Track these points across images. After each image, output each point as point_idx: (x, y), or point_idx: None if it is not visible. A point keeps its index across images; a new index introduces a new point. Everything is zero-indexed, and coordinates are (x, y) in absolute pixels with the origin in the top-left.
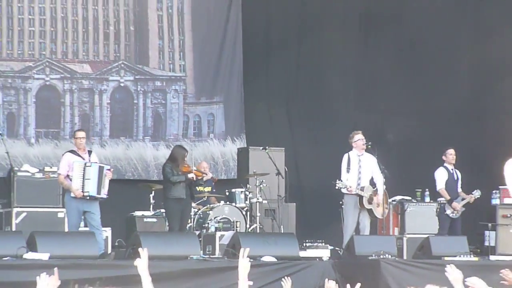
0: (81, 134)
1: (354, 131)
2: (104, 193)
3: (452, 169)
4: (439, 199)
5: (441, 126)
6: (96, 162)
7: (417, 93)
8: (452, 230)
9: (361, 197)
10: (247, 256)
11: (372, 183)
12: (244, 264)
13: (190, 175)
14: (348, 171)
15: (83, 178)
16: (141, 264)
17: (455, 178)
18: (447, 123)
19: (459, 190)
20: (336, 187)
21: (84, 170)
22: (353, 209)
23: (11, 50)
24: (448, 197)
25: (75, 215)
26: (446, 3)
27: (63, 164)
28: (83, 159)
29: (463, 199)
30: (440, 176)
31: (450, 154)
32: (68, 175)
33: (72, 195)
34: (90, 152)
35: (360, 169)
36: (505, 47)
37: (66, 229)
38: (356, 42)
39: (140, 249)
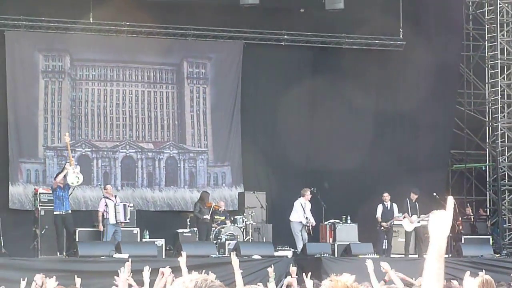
0: (109, 187)
1: (305, 188)
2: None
3: (387, 204)
4: (390, 221)
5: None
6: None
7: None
8: (381, 239)
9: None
10: (236, 256)
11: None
12: (234, 260)
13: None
14: (299, 210)
15: (115, 211)
16: (182, 261)
17: (388, 209)
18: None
19: (395, 215)
20: (305, 221)
21: (114, 207)
22: (301, 229)
23: (105, 135)
24: (380, 221)
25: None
26: None
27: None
28: (113, 201)
29: (392, 220)
30: (378, 209)
31: (384, 196)
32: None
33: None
34: (115, 196)
35: (305, 209)
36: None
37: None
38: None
39: (182, 252)
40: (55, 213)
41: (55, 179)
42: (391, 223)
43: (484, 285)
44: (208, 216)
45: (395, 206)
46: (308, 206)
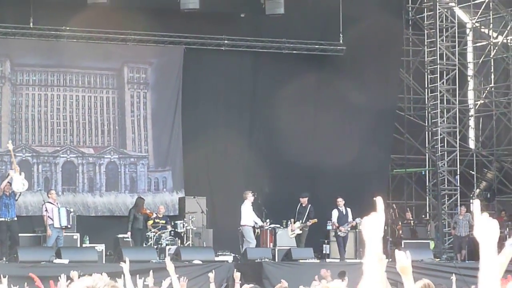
0: (54, 192)
1: (247, 190)
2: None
3: (341, 208)
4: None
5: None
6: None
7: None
8: (341, 243)
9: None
10: (171, 260)
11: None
12: (169, 265)
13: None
14: (250, 213)
15: (59, 216)
16: (125, 267)
17: (344, 213)
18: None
19: (349, 220)
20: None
21: (58, 211)
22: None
23: (46, 140)
24: (337, 226)
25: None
26: None
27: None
28: (56, 206)
29: (348, 224)
30: (333, 214)
31: (338, 201)
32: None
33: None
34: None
35: (252, 213)
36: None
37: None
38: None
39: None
40: (0, 219)
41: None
42: (347, 228)
43: None
44: (141, 226)
45: (349, 210)
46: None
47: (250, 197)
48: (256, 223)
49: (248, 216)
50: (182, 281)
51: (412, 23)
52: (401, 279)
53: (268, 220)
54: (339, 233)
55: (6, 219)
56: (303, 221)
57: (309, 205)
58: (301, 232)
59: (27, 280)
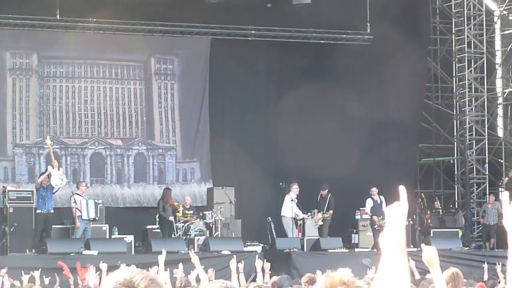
0: (84, 184)
1: (293, 182)
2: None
3: (375, 198)
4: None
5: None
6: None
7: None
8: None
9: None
10: (195, 253)
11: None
12: (194, 257)
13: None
14: (290, 205)
15: (87, 208)
16: (161, 258)
17: (378, 202)
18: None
19: (383, 208)
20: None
21: (86, 203)
22: (292, 224)
23: (74, 132)
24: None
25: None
26: None
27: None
28: (84, 198)
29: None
30: (367, 203)
31: (372, 190)
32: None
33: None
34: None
35: (293, 205)
36: None
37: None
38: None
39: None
40: (37, 211)
41: (38, 179)
42: (382, 218)
43: (453, 278)
44: (171, 217)
45: (383, 198)
46: (295, 200)
47: (294, 189)
48: (297, 215)
49: (288, 208)
50: (210, 272)
51: (440, 12)
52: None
53: (310, 213)
54: (374, 226)
55: (42, 211)
56: (324, 212)
57: (329, 195)
58: (322, 223)
59: (57, 271)
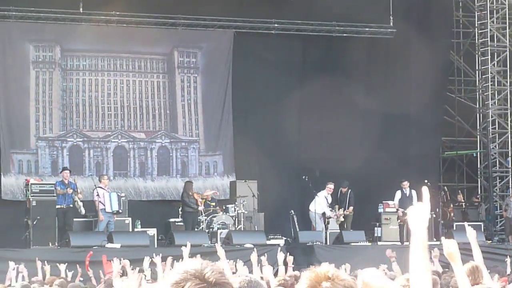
0: (106, 177)
1: (329, 182)
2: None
3: (405, 191)
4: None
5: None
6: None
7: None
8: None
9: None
10: (222, 246)
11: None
12: (220, 250)
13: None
14: (321, 202)
15: (110, 201)
16: (186, 251)
17: (407, 195)
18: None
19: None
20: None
21: (110, 196)
22: (320, 218)
23: (97, 125)
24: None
25: (105, 222)
26: None
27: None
28: (107, 191)
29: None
30: (396, 195)
31: (403, 184)
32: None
33: (106, 210)
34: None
35: (328, 203)
36: None
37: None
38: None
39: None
40: (57, 207)
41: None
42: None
43: (473, 271)
44: (201, 207)
45: (414, 192)
46: (329, 198)
47: (328, 187)
48: (325, 213)
49: (317, 204)
50: (235, 263)
51: (462, 5)
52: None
53: (333, 208)
54: (398, 220)
55: (62, 206)
56: (345, 209)
57: (349, 191)
58: (343, 219)
59: (79, 263)
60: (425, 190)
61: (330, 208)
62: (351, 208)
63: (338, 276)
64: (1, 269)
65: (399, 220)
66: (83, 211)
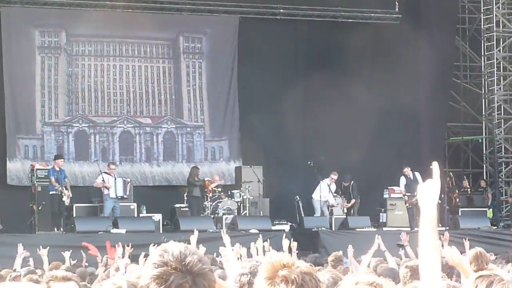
0: (114, 166)
1: (333, 172)
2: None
3: (409, 175)
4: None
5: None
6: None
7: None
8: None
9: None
10: (227, 233)
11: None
12: (225, 237)
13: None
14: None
15: (115, 186)
16: (194, 238)
17: (412, 179)
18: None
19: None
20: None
21: (115, 181)
22: (321, 206)
23: (103, 110)
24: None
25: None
26: None
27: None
28: (112, 176)
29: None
30: (401, 181)
31: (405, 170)
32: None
33: (111, 196)
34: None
35: (323, 189)
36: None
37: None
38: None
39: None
40: (50, 193)
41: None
42: (414, 197)
43: (476, 257)
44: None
45: (418, 174)
46: (333, 187)
47: (331, 177)
48: (328, 201)
49: (320, 191)
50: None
51: None
52: (458, 247)
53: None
54: (406, 204)
55: (57, 192)
56: (348, 201)
57: (352, 182)
58: (346, 211)
59: (84, 249)
60: (435, 166)
61: (336, 195)
62: (352, 201)
63: (294, 263)
64: (7, 254)
65: (407, 204)
66: (67, 202)
